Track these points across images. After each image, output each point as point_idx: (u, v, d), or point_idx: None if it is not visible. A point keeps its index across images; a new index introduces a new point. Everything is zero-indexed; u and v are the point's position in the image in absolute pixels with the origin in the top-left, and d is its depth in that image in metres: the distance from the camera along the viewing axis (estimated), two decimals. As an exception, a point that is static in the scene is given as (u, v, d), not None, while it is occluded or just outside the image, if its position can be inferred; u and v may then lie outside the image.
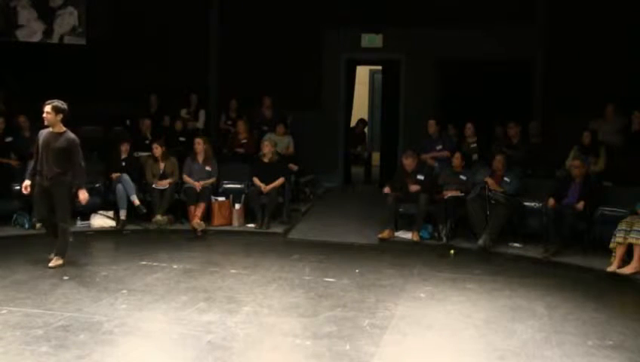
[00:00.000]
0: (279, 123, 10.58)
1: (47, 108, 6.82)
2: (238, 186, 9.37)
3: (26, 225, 8.58)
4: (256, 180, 9.18)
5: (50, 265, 6.83)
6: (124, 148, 9.45)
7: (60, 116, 6.83)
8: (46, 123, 6.85)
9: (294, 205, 9.83)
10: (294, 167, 10.14)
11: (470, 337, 5.15)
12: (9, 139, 9.44)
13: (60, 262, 6.89)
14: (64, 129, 6.89)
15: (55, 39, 11.90)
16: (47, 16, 11.83)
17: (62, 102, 6.89)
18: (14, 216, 8.70)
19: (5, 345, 4.74)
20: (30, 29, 11.78)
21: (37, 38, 11.84)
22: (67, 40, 11.95)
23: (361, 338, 5.01)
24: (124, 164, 9.33)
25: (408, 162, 8.75)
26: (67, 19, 11.96)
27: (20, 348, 4.71)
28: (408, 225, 8.67)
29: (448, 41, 10.99)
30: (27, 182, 6.98)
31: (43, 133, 6.93)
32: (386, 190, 8.70)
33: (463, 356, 4.82)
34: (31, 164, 7.20)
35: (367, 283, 6.60)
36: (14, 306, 5.59)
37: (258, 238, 8.68)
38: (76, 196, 6.94)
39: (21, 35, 11.75)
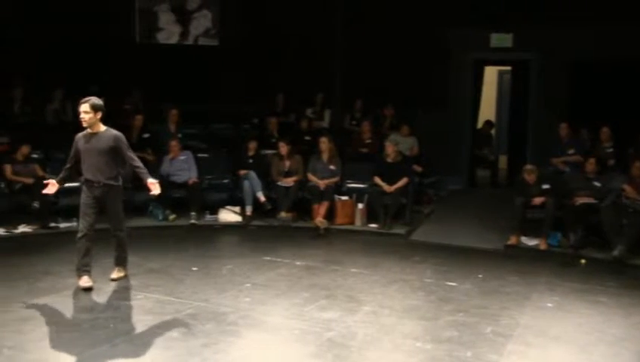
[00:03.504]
0: (404, 123, 10.52)
1: (85, 107, 5.91)
2: (362, 186, 9.39)
3: (160, 217, 9.04)
4: (377, 179, 9.15)
5: (113, 276, 6.27)
6: (252, 146, 9.73)
7: (99, 114, 5.96)
8: (84, 124, 5.96)
9: (417, 207, 9.74)
10: (418, 168, 10.04)
11: (601, 355, 4.85)
12: (146, 135, 9.98)
13: (122, 274, 6.34)
14: (104, 127, 6.04)
15: (190, 40, 12.51)
16: (184, 19, 12.46)
17: (97, 98, 6.04)
18: (150, 207, 9.19)
19: (141, 328, 5.07)
20: (169, 32, 12.46)
21: (174, 40, 12.50)
22: (201, 41, 12.56)
23: (483, 346, 4.88)
24: (251, 161, 9.60)
25: (531, 178, 8.40)
26: (202, 22, 12.55)
27: (153, 332, 5.00)
28: (535, 231, 8.34)
29: (584, 39, 10.49)
30: (52, 181, 6.16)
31: (80, 139, 6.06)
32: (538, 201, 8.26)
33: (593, 372, 4.57)
34: (64, 172, 6.23)
35: (490, 289, 6.41)
36: (149, 292, 5.93)
37: (380, 238, 8.65)
38: (148, 189, 6.12)
39: (161, 37, 12.44)
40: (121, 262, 6.36)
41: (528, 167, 8.54)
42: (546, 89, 11.15)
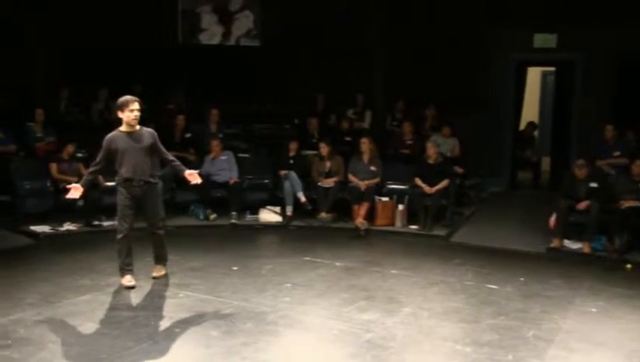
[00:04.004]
0: (445, 124, 10.44)
1: (138, 105, 6.02)
2: (402, 187, 9.32)
3: (201, 216, 9.14)
4: (417, 181, 9.09)
5: (154, 275, 6.34)
6: (293, 147, 9.76)
7: None
8: (135, 122, 6.02)
9: (458, 208, 9.64)
10: (459, 170, 9.94)
11: (648, 361, 4.75)
12: (188, 135, 10.09)
13: (163, 272, 6.40)
14: (138, 125, 6.11)
15: (232, 41, 12.62)
16: (226, 19, 12.58)
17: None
18: (191, 207, 9.30)
19: (181, 326, 5.14)
20: (211, 33, 12.59)
21: (216, 40, 12.63)
22: (243, 42, 12.66)
23: (524, 350, 4.81)
24: (291, 161, 9.64)
25: (581, 173, 8.25)
26: (244, 23, 12.65)
27: (193, 330, 5.07)
28: (578, 235, 8.18)
29: (629, 39, 10.25)
30: (76, 186, 6.05)
31: (117, 138, 6.03)
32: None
33: (639, 379, 4.47)
34: (89, 175, 6.26)
35: (531, 292, 6.31)
36: (190, 291, 6.01)
37: (420, 240, 8.60)
38: (188, 181, 6.23)
39: (203, 38, 12.58)
40: (161, 260, 6.43)
41: (579, 161, 8.38)
42: (590, 90, 10.94)
